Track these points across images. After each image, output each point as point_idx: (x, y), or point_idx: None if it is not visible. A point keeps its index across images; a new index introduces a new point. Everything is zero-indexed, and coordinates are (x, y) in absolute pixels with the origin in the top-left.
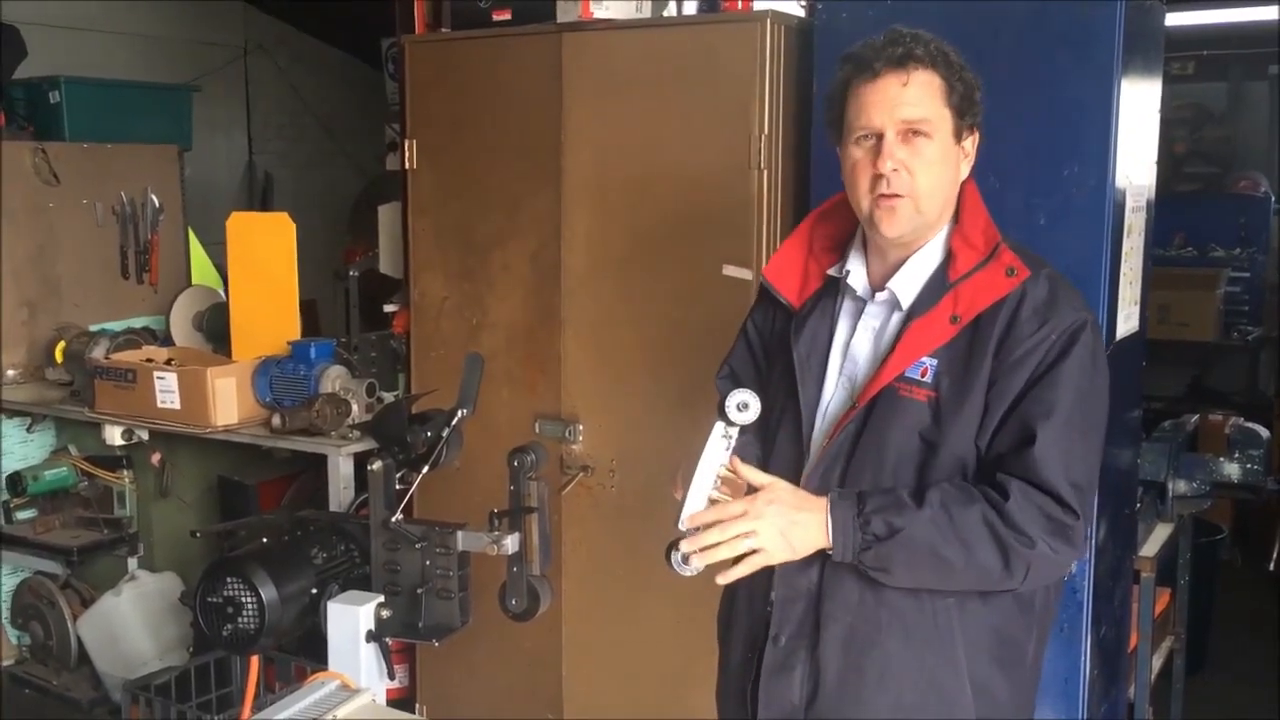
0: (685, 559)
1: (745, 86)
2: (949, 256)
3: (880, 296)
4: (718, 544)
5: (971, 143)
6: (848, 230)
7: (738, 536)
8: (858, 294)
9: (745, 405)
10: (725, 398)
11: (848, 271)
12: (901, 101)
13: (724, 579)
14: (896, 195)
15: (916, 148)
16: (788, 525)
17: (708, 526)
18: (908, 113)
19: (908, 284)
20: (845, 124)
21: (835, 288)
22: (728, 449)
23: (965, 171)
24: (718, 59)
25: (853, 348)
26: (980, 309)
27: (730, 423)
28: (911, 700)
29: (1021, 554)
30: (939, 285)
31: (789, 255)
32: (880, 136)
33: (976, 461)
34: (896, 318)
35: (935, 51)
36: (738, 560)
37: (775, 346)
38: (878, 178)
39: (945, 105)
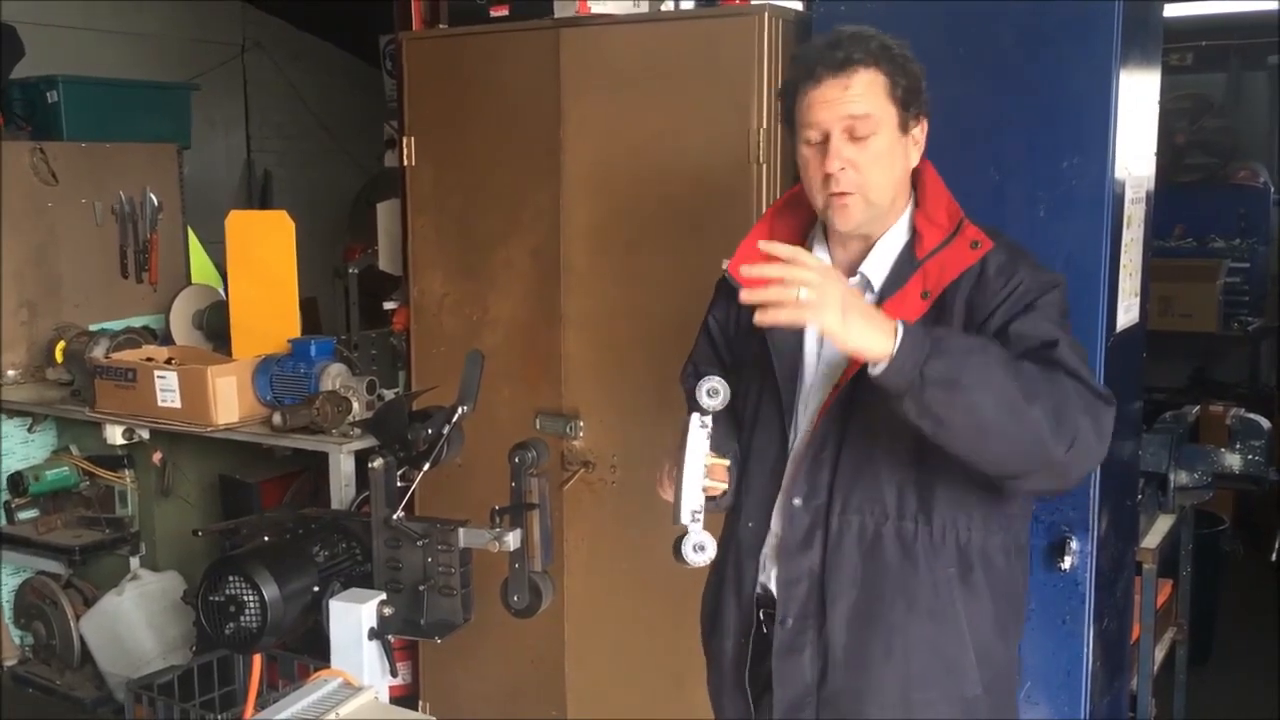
0: (697, 547)
1: (744, 81)
2: (915, 236)
3: (852, 281)
4: (776, 280)
5: (920, 130)
6: (808, 221)
7: (800, 282)
8: None
9: (715, 391)
10: (695, 387)
11: None
12: (845, 100)
13: (763, 317)
14: (846, 193)
15: (863, 145)
16: (852, 304)
17: (774, 260)
18: (852, 109)
19: (877, 266)
20: (796, 123)
21: None
22: (707, 438)
23: (915, 159)
24: (716, 53)
25: None
26: (948, 281)
27: (705, 411)
28: (919, 670)
29: (1073, 419)
30: (907, 264)
31: (752, 249)
32: (828, 137)
33: None
34: (869, 299)
35: (877, 49)
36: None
37: (740, 339)
38: (828, 177)
39: (889, 100)
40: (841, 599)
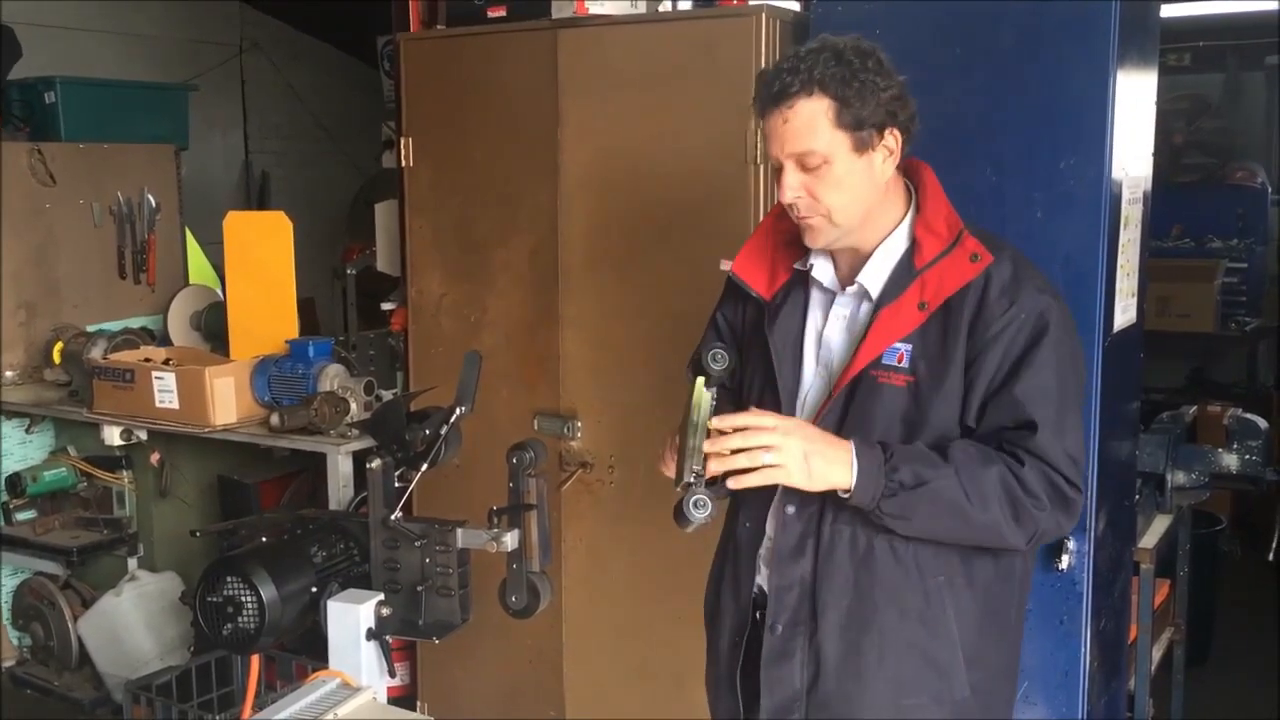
0: (698, 504)
1: (742, 81)
2: (914, 245)
3: (849, 290)
4: (739, 451)
5: (893, 139)
6: None
7: (762, 448)
8: (825, 286)
9: (719, 358)
10: (700, 354)
11: (811, 265)
12: (786, 137)
13: (736, 484)
14: (807, 217)
15: (816, 173)
16: (812, 452)
17: (736, 431)
18: (793, 147)
19: (875, 275)
20: None
21: (803, 279)
22: (711, 401)
23: (888, 169)
24: (714, 54)
25: (826, 336)
26: (947, 294)
27: (709, 376)
28: (910, 675)
29: (1033, 515)
30: (905, 273)
31: (755, 250)
32: (783, 167)
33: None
34: (866, 307)
35: (821, 74)
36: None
37: (748, 338)
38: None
39: (835, 128)
40: (833, 607)
